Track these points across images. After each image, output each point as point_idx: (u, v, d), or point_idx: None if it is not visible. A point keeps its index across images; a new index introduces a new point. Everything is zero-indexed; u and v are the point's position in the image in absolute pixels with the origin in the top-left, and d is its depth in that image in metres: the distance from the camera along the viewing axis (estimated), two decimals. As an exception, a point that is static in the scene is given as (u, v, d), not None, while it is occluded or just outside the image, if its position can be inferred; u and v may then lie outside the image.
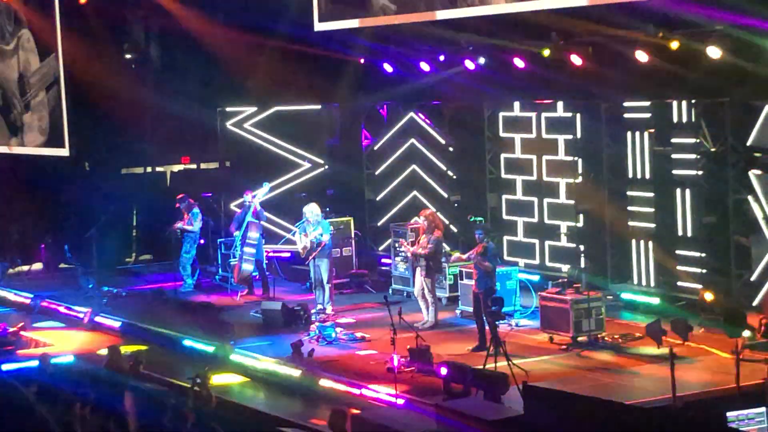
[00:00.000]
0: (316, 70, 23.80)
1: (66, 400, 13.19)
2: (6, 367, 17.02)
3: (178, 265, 23.35)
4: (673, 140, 19.68)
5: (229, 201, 25.42)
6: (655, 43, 18.52)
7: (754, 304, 18.46)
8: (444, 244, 20.46)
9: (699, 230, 19.31)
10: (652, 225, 20.15)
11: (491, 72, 21.44)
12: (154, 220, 24.05)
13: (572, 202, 21.46)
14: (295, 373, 16.97)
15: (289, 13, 22.92)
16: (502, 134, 22.79)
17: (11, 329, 19.96)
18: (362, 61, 23.72)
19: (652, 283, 20.15)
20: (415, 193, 24.35)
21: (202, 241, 24.09)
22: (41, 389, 14.33)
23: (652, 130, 19.98)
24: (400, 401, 15.42)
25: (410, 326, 17.97)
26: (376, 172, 25.04)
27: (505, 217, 22.87)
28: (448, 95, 22.90)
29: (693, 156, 19.34)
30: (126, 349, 17.72)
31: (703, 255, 19.16)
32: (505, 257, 22.27)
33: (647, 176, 20.24)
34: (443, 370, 15.61)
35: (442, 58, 22.13)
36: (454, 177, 23.92)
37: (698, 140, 19.19)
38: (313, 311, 20.21)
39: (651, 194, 20.18)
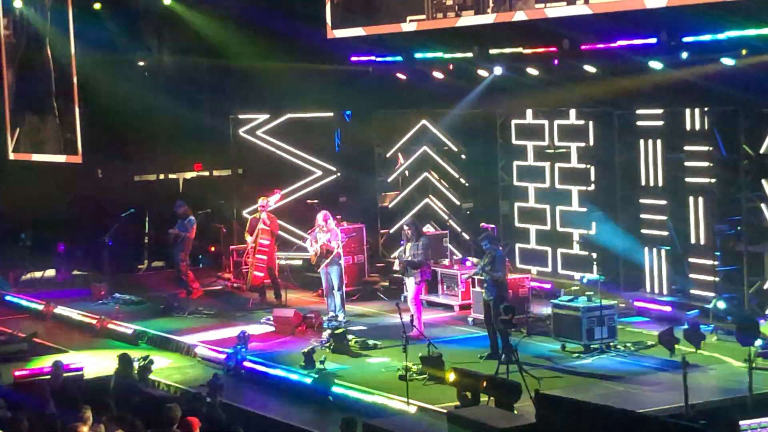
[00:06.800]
0: (328, 77, 23.81)
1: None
2: (19, 373, 17.02)
3: (179, 273, 23.36)
4: (686, 148, 19.65)
5: (241, 208, 25.43)
6: (668, 51, 18.50)
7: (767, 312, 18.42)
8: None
9: (711, 238, 19.28)
10: (665, 233, 20.11)
11: (504, 79, 21.45)
12: (166, 228, 24.04)
13: (585, 209, 21.43)
14: (307, 380, 16.96)
15: (302, 20, 22.94)
16: (514, 141, 22.78)
17: (24, 336, 19.97)
18: (371, 69, 23.73)
19: (665, 291, 20.11)
20: (427, 200, 24.33)
21: (213, 248, 23.95)
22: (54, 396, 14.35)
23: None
24: (412, 409, 15.41)
25: (422, 334, 18.01)
26: (389, 180, 25.04)
27: (517, 224, 22.84)
28: (460, 103, 22.91)
29: (706, 164, 19.32)
30: (135, 356, 17.69)
31: (716, 263, 19.12)
32: (518, 265, 22.25)
33: (660, 184, 20.21)
34: (454, 378, 15.56)
35: (451, 66, 22.11)
36: (467, 184, 23.91)
37: (711, 148, 19.17)
38: (325, 318, 20.22)
39: (664, 202, 20.15)
